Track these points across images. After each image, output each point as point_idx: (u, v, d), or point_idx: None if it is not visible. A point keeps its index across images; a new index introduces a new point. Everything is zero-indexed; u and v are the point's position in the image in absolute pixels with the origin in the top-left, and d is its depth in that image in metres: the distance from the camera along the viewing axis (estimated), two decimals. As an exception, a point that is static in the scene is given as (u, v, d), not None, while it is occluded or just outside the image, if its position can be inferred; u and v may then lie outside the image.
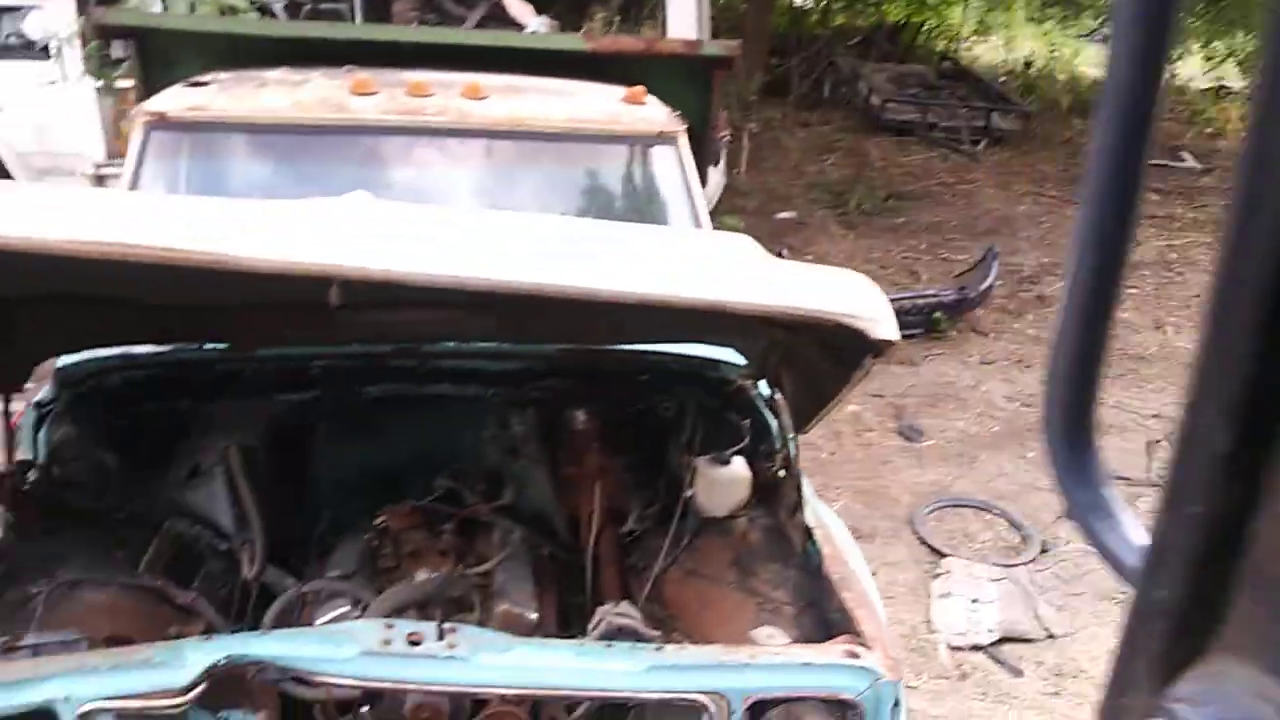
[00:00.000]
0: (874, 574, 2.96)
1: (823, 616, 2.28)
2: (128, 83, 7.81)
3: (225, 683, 1.89)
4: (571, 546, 2.73)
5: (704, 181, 3.62)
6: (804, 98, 14.70)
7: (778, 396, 2.58)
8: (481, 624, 2.32)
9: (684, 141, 3.40)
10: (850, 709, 1.95)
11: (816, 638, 2.21)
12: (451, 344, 2.70)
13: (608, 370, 2.74)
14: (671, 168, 3.34)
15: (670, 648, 1.97)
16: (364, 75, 3.30)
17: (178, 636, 2.34)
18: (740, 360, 2.67)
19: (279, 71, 3.46)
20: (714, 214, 8.37)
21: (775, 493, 2.61)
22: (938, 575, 4.75)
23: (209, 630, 2.36)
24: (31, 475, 2.39)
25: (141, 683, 1.82)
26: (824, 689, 1.93)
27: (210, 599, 2.45)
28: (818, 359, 2.20)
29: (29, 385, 2.47)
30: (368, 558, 2.52)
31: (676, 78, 3.83)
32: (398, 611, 2.21)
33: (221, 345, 2.62)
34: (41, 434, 2.56)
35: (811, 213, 11.12)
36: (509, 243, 1.78)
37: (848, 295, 1.78)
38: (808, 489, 2.55)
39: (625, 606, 2.35)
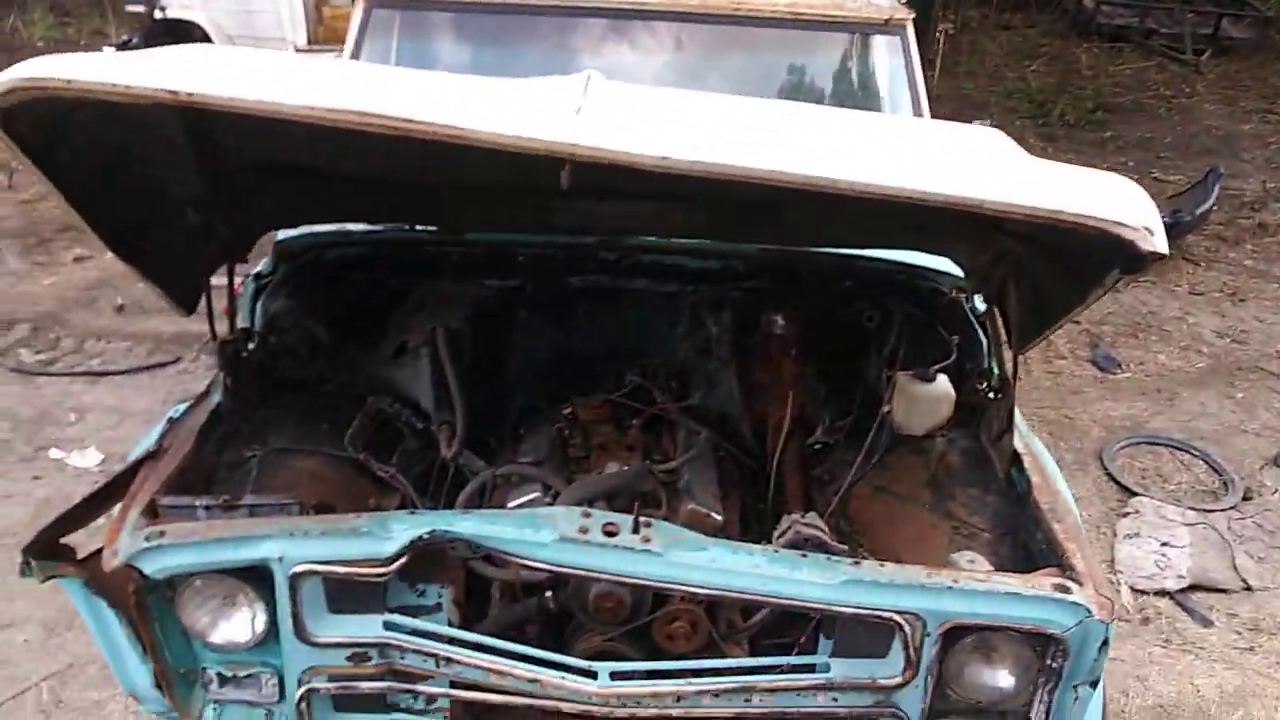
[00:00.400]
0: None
1: (1025, 547, 2.16)
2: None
3: (425, 556, 1.95)
4: (755, 453, 2.68)
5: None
6: (1008, -4, 13.66)
7: (995, 312, 2.42)
8: (668, 521, 2.32)
9: (910, 32, 3.21)
10: (1055, 644, 1.85)
11: (1017, 569, 2.10)
12: (655, 238, 2.65)
13: (810, 274, 2.63)
14: (897, 60, 3.16)
15: (868, 563, 1.90)
16: None
17: (376, 508, 2.45)
18: (957, 271, 2.51)
19: None
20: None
21: (980, 415, 2.47)
22: (1125, 514, 4.50)
23: (405, 504, 2.45)
24: (250, 344, 2.50)
25: (350, 549, 1.89)
26: (1029, 621, 1.83)
27: (407, 474, 2.53)
28: (1051, 273, 2.03)
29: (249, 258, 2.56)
30: (557, 446, 2.54)
31: None
32: (588, 501, 2.22)
33: (432, 227, 2.66)
34: (259, 305, 2.67)
35: (1009, 122, 10.43)
36: (742, 127, 1.68)
37: (1115, 200, 1.60)
38: (1017, 414, 2.41)
39: (812, 517, 2.30)
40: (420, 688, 2.02)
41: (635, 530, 1.90)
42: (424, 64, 3.23)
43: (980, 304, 2.54)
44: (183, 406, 2.41)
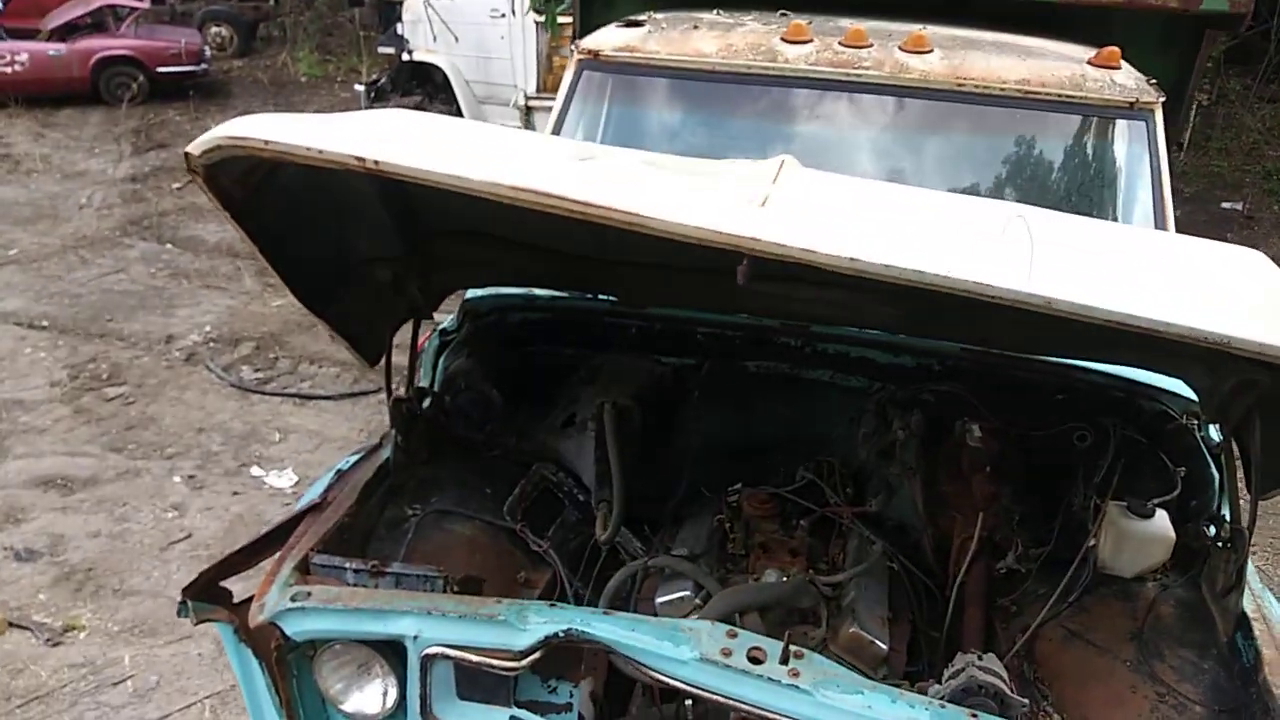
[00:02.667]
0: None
1: None
2: (567, 19, 8.33)
3: (560, 652, 1.86)
4: (935, 573, 2.42)
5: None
6: (1278, 66, 12.47)
7: (1233, 446, 2.11)
8: (825, 643, 2.13)
9: (1159, 116, 2.87)
10: None
11: None
12: (843, 329, 2.47)
13: (1017, 382, 2.37)
14: (1141, 147, 2.83)
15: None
16: (799, 20, 3.12)
17: (526, 583, 2.39)
18: (1190, 394, 2.20)
19: (713, 13, 3.38)
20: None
21: (1203, 563, 2.14)
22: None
23: (556, 581, 2.37)
24: (425, 402, 2.50)
25: (484, 637, 1.82)
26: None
27: (562, 549, 2.46)
28: None
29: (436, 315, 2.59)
30: (715, 539, 2.40)
31: (1156, 37, 3.27)
32: (739, 612, 2.06)
33: (613, 298, 2.60)
34: (441, 361, 2.68)
35: (1265, 206, 9.53)
36: (946, 228, 1.50)
37: None
38: (1251, 569, 2.07)
39: (991, 660, 2.04)
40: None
41: (784, 660, 1.73)
42: (633, 127, 3.20)
43: (1215, 435, 2.22)
44: (353, 458, 2.43)
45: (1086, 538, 2.21)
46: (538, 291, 2.66)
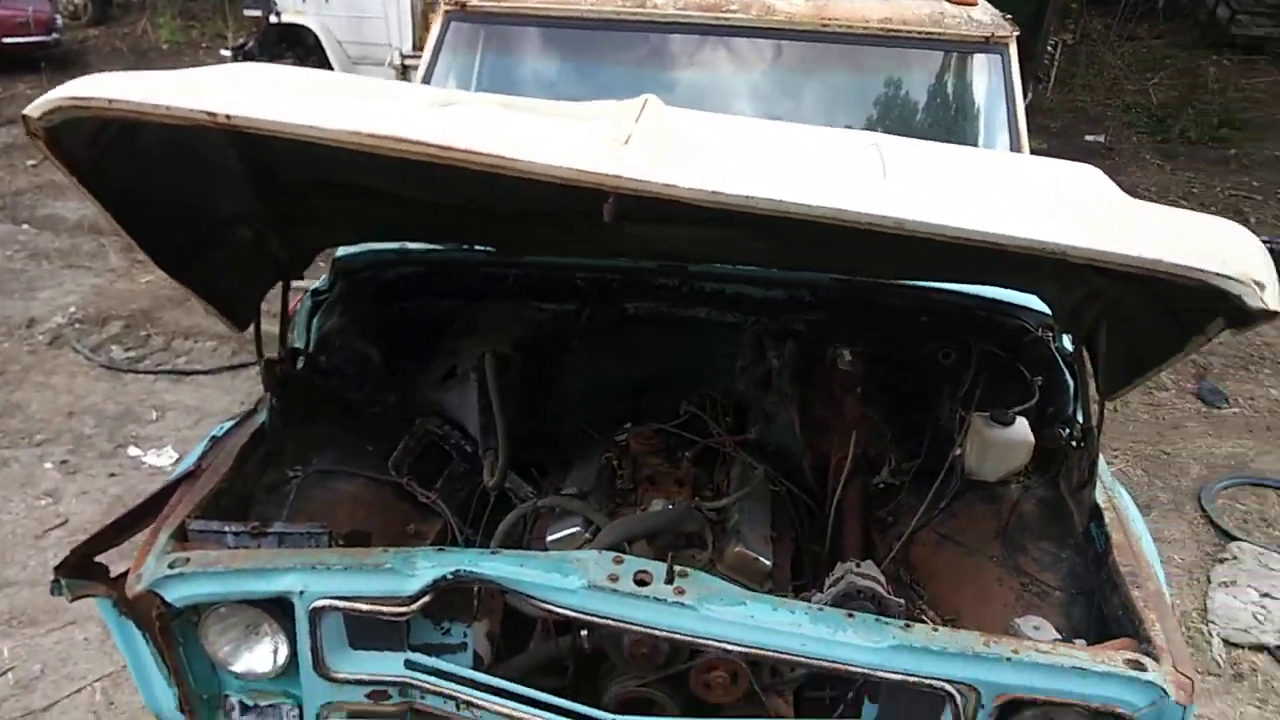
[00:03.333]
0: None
1: (1100, 612, 1.97)
2: (439, -24, 8.12)
3: (450, 595, 1.87)
4: (815, 493, 2.52)
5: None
6: (1134, 7, 13.03)
7: (1084, 354, 2.23)
8: (712, 564, 2.20)
9: (1013, 51, 3.00)
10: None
11: (1089, 635, 1.92)
12: (718, 266, 2.52)
13: (883, 307, 2.46)
14: (998, 79, 2.96)
15: (920, 628, 1.74)
16: None
17: (416, 534, 2.38)
18: (1044, 308, 2.32)
19: None
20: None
21: (1060, 463, 2.28)
22: (1222, 560, 4.19)
23: (446, 531, 2.38)
24: (299, 363, 2.45)
25: (372, 586, 1.82)
26: (1096, 699, 1.65)
27: (451, 499, 2.46)
28: (1147, 317, 1.84)
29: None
30: (605, 476, 2.44)
31: None
32: (628, 540, 2.11)
33: (489, 248, 2.58)
34: (315, 322, 2.63)
35: (1124, 138, 9.99)
36: (804, 159, 1.54)
37: (1221, 250, 1.43)
38: (1102, 464, 2.21)
39: (869, 567, 2.14)
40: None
41: (669, 580, 1.78)
42: (504, 78, 3.17)
43: (1069, 344, 2.34)
44: (228, 425, 2.38)
45: (953, 448, 2.32)
46: (411, 246, 2.63)
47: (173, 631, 1.96)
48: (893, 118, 3.10)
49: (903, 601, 2.09)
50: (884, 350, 2.40)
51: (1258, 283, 1.38)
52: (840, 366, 2.34)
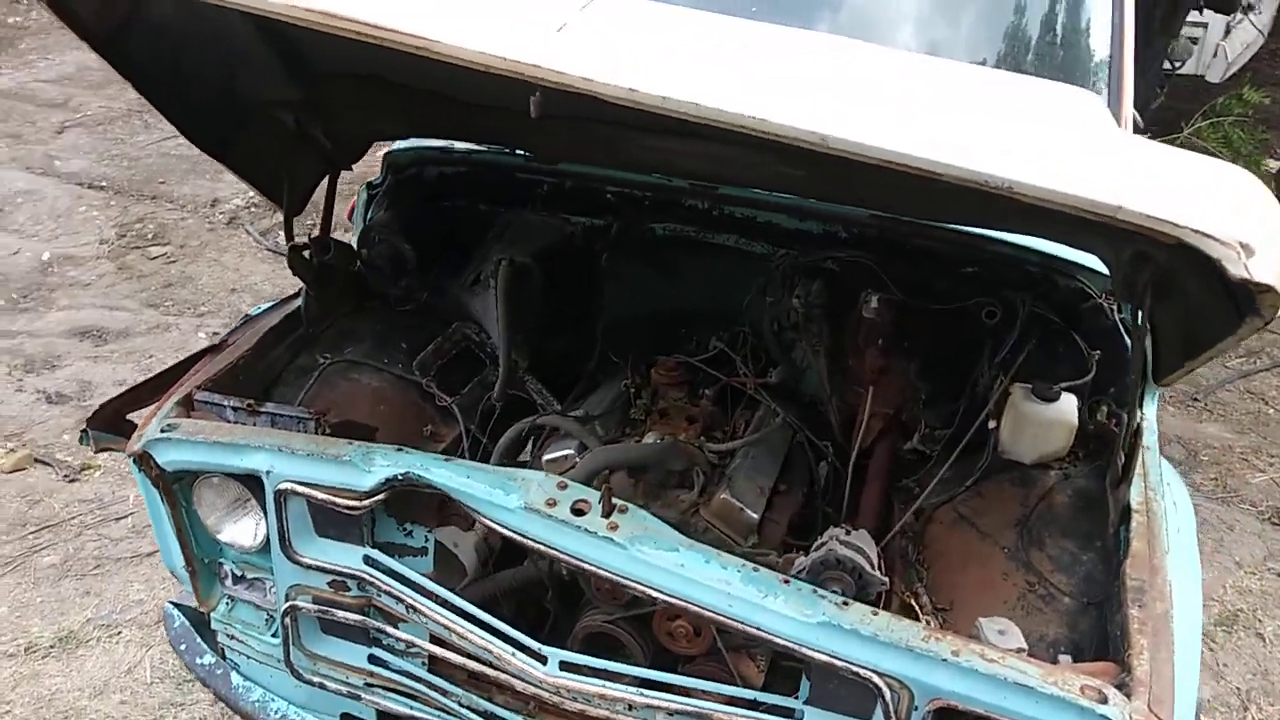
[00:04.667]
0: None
1: (1105, 628, 1.75)
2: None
3: (410, 497, 1.88)
4: (843, 450, 2.35)
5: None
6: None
7: (1147, 328, 1.97)
8: (697, 508, 2.11)
9: None
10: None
11: (1091, 653, 1.71)
12: (753, 192, 2.35)
13: (926, 252, 2.23)
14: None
15: (858, 608, 1.60)
16: None
17: (432, 436, 2.42)
18: (1104, 270, 2.04)
19: None
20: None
21: (1110, 452, 2.02)
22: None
23: (460, 437, 2.40)
24: (328, 254, 2.48)
25: (331, 476, 1.86)
26: (1038, 726, 1.47)
27: (476, 405, 2.47)
28: (1202, 289, 1.58)
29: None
30: (620, 404, 2.38)
31: None
32: (608, 469, 2.05)
33: (521, 152, 2.53)
34: (369, 215, 2.68)
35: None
36: (766, 63, 1.37)
37: (1211, 201, 1.18)
38: (1156, 458, 1.95)
39: (860, 536, 1.99)
40: (396, 632, 1.97)
41: (605, 514, 1.72)
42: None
43: (1130, 316, 2.06)
44: (264, 306, 2.47)
45: (987, 421, 2.11)
46: (458, 145, 2.61)
47: (175, 494, 2.07)
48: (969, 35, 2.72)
49: (886, 580, 1.93)
50: (922, 301, 2.17)
51: (1243, 245, 1.14)
52: (865, 314, 2.15)
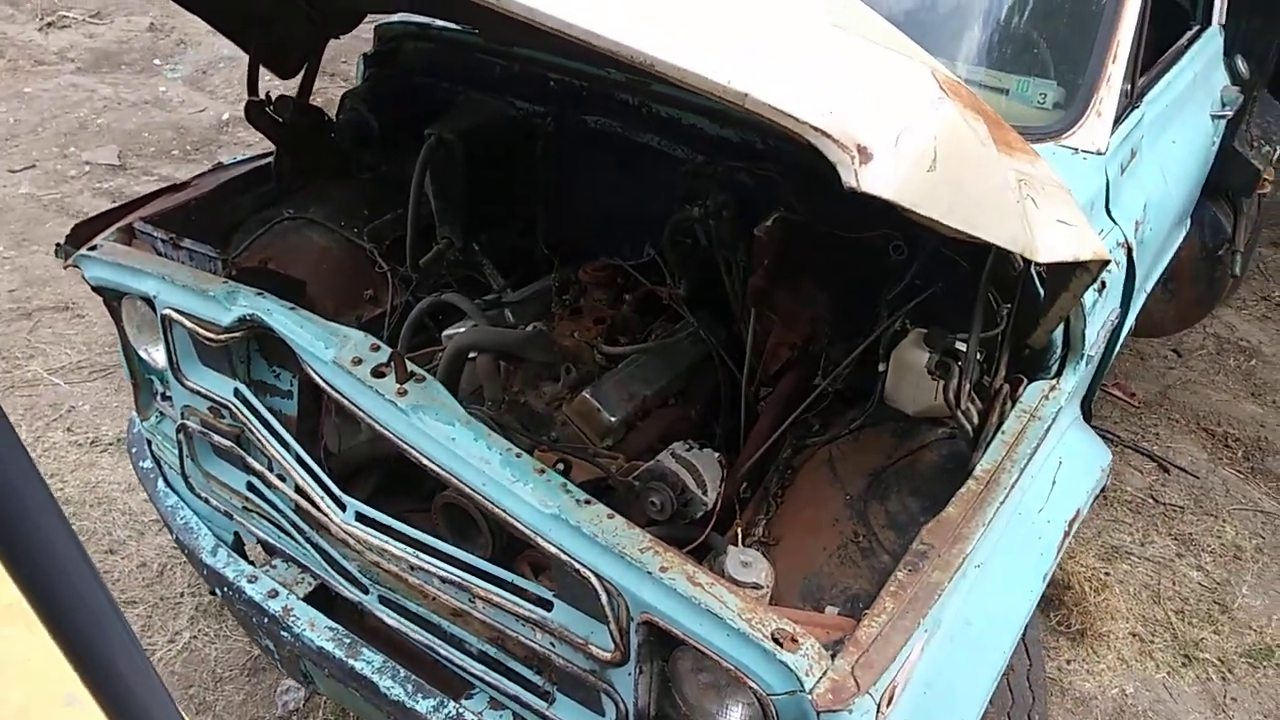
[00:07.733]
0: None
1: None
2: None
3: (267, 341, 1.97)
4: (754, 371, 2.23)
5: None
6: None
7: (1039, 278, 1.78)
8: (559, 402, 2.09)
9: None
10: (764, 710, 1.40)
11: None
12: (683, 91, 2.21)
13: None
14: None
15: (599, 509, 1.55)
16: None
17: (371, 300, 2.51)
18: None
19: None
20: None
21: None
22: None
23: (395, 304, 2.48)
24: (287, 112, 2.58)
25: (200, 309, 1.97)
26: (730, 659, 1.39)
27: (430, 277, 2.54)
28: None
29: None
30: (542, 298, 2.37)
31: None
32: (473, 349, 2.07)
33: (475, 31, 2.51)
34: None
35: None
36: None
37: (844, 90, 1.03)
38: (1043, 431, 1.76)
39: (703, 455, 1.92)
40: (252, 461, 2.08)
41: (399, 380, 1.74)
42: None
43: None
44: (239, 157, 2.62)
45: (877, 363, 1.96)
46: (437, 22, 2.62)
47: (116, 308, 2.27)
48: None
49: (709, 502, 1.87)
50: (832, 227, 1.99)
51: (861, 148, 0.99)
52: (756, 232, 2.00)
